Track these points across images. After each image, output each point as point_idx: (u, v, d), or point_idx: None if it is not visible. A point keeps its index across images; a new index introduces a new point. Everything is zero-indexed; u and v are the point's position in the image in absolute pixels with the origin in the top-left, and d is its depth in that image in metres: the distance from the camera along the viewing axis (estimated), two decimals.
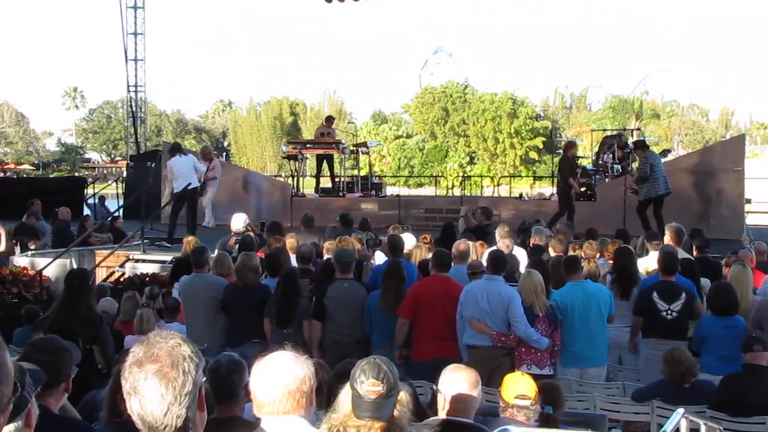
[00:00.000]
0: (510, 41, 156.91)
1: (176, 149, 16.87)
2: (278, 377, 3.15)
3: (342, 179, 23.86)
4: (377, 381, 3.85)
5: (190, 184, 16.03)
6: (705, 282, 9.77)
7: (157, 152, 26.80)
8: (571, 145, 18.53)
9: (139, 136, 33.39)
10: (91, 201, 26.01)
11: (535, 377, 5.65)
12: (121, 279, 15.52)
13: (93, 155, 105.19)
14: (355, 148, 24.88)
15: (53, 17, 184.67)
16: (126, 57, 33.10)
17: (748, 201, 18.90)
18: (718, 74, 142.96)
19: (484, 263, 9.45)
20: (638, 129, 29.35)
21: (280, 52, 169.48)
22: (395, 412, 3.92)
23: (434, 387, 5.01)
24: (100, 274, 15.78)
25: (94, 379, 7.28)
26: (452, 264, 9.48)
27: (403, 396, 4.10)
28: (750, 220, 18.99)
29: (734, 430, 6.86)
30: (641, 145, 17.24)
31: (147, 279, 14.21)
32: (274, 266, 10.23)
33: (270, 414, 3.15)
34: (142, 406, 2.53)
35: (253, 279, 9.59)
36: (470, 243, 10.90)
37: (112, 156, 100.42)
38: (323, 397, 4.54)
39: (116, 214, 21.45)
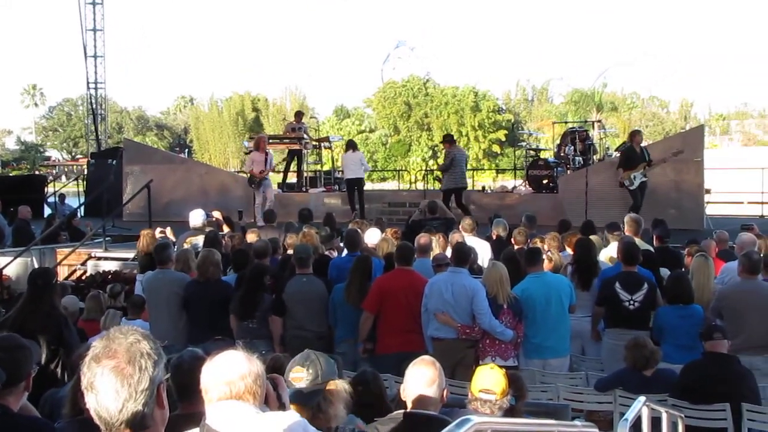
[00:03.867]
0: (471, 35, 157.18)
1: None
2: (222, 371, 3.15)
3: (306, 175, 23.79)
4: (301, 368, 3.89)
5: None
6: (664, 272, 9.86)
7: (118, 149, 26.64)
8: (633, 133, 18.09)
9: (99, 133, 33.13)
10: (51, 199, 25.79)
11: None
12: (83, 277, 15.43)
13: (53, 153, 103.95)
14: (317, 143, 24.83)
15: (11, 14, 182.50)
16: (85, 53, 32.84)
17: (708, 191, 19.08)
18: (679, 66, 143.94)
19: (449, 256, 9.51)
20: (599, 121, 29.47)
21: (242, 48, 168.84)
22: (325, 403, 3.96)
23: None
24: (62, 273, 15.66)
25: (59, 378, 7.24)
26: (416, 257, 9.51)
27: (338, 389, 4.12)
28: (710, 210, 19.19)
29: (695, 418, 6.93)
30: (449, 140, 18.66)
31: (109, 276, 14.13)
32: (241, 262, 10.23)
33: (210, 402, 3.15)
34: (98, 402, 2.51)
35: (214, 274, 9.56)
36: (432, 236, 10.91)
37: (73, 154, 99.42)
38: None
39: (73, 212, 21.27)
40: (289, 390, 3.89)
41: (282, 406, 3.43)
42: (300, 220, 14.09)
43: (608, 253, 10.60)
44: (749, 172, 24.36)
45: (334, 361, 4.26)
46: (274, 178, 24.89)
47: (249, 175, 18.73)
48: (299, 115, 25.08)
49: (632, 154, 16.39)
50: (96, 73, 33.29)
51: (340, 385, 4.16)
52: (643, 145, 16.69)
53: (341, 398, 4.17)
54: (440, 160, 18.71)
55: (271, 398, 3.33)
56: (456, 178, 18.07)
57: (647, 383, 7.30)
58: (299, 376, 3.96)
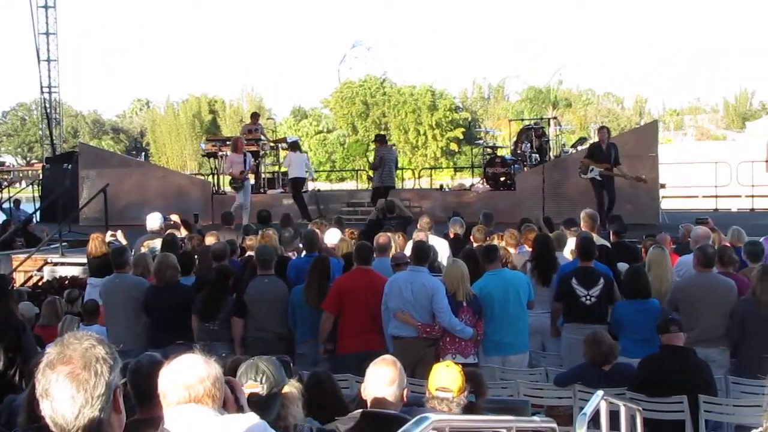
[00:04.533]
0: (427, 34, 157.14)
1: None
2: (180, 375, 3.15)
3: (263, 176, 23.69)
4: (255, 382, 3.89)
5: None
6: (623, 266, 9.95)
7: (74, 154, 26.37)
8: (598, 130, 18.20)
9: (54, 137, 32.78)
10: (6, 205, 25.48)
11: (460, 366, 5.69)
12: (40, 283, 15.28)
13: (7, 158, 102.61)
14: (274, 144, 24.75)
15: None
16: (38, 57, 32.50)
17: (663, 186, 19.30)
18: (633, 63, 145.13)
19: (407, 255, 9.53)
20: (555, 118, 29.69)
21: (197, 50, 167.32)
22: (282, 409, 3.96)
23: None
24: (19, 279, 15.50)
25: (18, 385, 7.16)
26: (375, 257, 9.53)
27: (291, 391, 4.13)
28: (665, 204, 19.40)
29: (653, 410, 7.01)
30: (379, 139, 19.37)
31: (66, 282, 14.00)
32: (188, 264, 10.21)
33: (169, 406, 3.15)
34: (53, 409, 2.50)
35: (172, 277, 9.52)
36: (390, 235, 10.93)
37: (28, 159, 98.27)
38: None
39: (28, 217, 21.10)
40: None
41: (240, 409, 3.42)
42: (259, 221, 14.07)
43: (569, 249, 10.67)
44: (703, 167, 24.69)
45: (280, 363, 4.26)
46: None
47: (230, 177, 18.57)
48: (255, 116, 24.95)
49: (597, 151, 16.43)
50: (50, 77, 32.97)
51: (292, 388, 4.16)
52: (612, 142, 16.57)
53: (295, 400, 4.18)
54: (371, 159, 18.94)
55: (229, 401, 3.33)
56: (384, 176, 18.54)
57: (606, 378, 7.37)
58: (255, 390, 3.95)
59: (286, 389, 4.12)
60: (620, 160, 16.25)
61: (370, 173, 19.97)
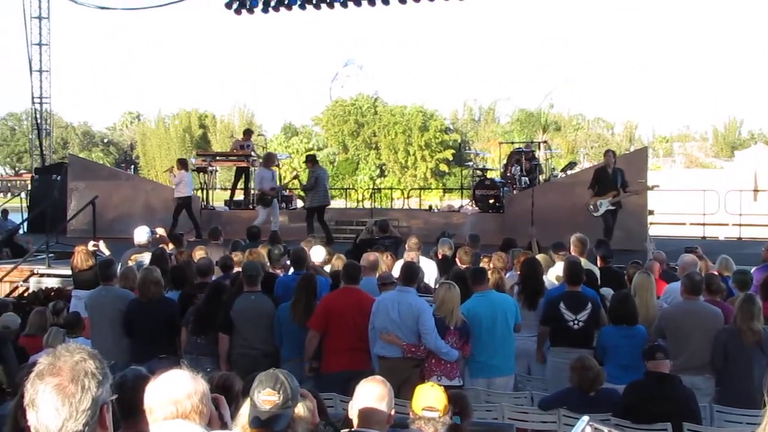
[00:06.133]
0: (419, 54, 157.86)
1: None
2: (168, 390, 3.14)
3: (252, 192, 23.65)
4: (273, 391, 3.86)
5: None
6: (607, 291, 9.97)
7: (63, 165, 26.31)
8: (605, 153, 17.93)
9: (44, 148, 32.61)
10: None
11: (445, 388, 5.69)
12: (25, 294, 15.21)
13: None
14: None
15: None
16: (30, 68, 32.37)
17: (651, 212, 19.35)
18: (623, 88, 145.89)
19: (395, 275, 9.52)
20: (545, 142, 29.77)
21: (189, 64, 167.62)
22: (288, 429, 3.95)
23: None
24: (4, 289, 15.44)
25: None
26: (363, 276, 9.52)
27: (301, 410, 4.11)
28: (653, 231, 19.45)
29: None
30: (312, 159, 19.63)
31: (52, 293, 13.94)
32: (179, 279, 10.18)
33: (155, 422, 3.14)
34: (38, 419, 2.49)
35: (156, 292, 9.49)
36: (378, 254, 10.92)
37: (17, 169, 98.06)
38: (237, 409, 4.53)
39: (15, 227, 21.03)
40: (253, 411, 3.86)
41: (224, 426, 3.41)
42: (249, 237, 14.04)
43: (554, 273, 10.69)
44: (691, 194, 24.77)
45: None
46: (223, 196, 24.78)
47: (259, 192, 18.52)
48: (248, 133, 25.00)
49: (602, 175, 16.34)
50: (41, 87, 32.81)
51: (302, 409, 4.15)
52: (618, 167, 16.46)
53: (302, 420, 4.17)
54: (303, 180, 19.03)
55: (214, 418, 3.32)
56: (320, 196, 18.72)
57: (591, 403, 7.36)
58: (272, 399, 3.92)
59: (297, 409, 4.10)
60: (639, 194, 16.35)
61: (357, 194, 19.97)
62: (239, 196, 24.08)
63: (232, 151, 23.80)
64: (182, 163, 20.48)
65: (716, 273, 10.32)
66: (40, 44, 32.64)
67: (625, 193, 16.08)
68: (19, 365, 7.59)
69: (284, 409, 3.93)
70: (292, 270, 10.83)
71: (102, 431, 2.61)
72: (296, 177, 20.51)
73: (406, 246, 12.35)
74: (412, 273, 9.13)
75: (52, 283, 15.11)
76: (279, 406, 3.88)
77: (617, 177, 16.04)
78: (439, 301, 8.74)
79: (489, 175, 23.63)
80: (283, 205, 23.50)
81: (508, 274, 10.84)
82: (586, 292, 9.42)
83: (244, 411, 4.02)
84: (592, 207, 16.13)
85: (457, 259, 11.58)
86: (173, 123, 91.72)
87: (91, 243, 13.17)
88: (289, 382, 4.02)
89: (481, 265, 10.82)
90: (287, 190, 22.17)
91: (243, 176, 23.31)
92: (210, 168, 23.24)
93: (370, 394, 4.83)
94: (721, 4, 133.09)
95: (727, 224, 24.65)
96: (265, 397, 3.91)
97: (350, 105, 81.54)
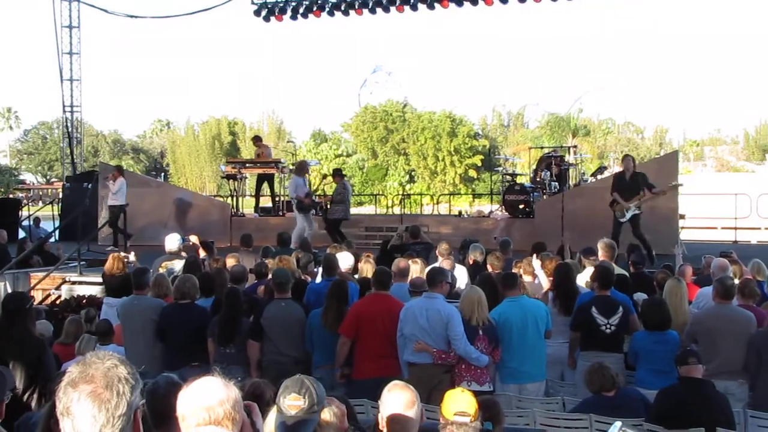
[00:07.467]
0: (448, 60, 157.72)
1: None
2: (201, 397, 3.14)
3: (281, 198, 23.70)
4: (298, 395, 3.87)
5: None
6: (640, 296, 9.92)
7: (94, 173, 26.51)
8: (623, 159, 17.63)
9: (75, 156, 32.85)
10: (26, 223, 25.64)
11: (475, 394, 5.66)
12: (57, 301, 15.32)
13: (28, 176, 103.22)
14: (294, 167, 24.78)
15: None
16: (61, 77, 32.62)
17: (682, 216, 19.21)
18: (653, 93, 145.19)
19: None
20: (575, 146, 29.63)
21: (219, 72, 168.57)
22: None
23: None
24: (36, 297, 15.55)
25: (36, 404, 7.16)
26: (393, 282, 9.51)
27: (328, 415, 4.11)
28: (684, 235, 19.31)
29: None
30: (338, 174, 19.70)
31: (84, 301, 14.03)
32: (208, 287, 10.21)
33: (188, 429, 3.14)
34: (74, 427, 2.50)
35: (194, 295, 9.56)
36: (410, 261, 10.90)
37: (48, 177, 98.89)
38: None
39: (47, 235, 21.21)
40: (279, 417, 3.87)
41: None
42: (279, 244, 14.08)
43: (584, 278, 10.64)
44: (723, 198, 24.56)
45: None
46: (249, 203, 24.82)
47: (296, 200, 18.58)
48: (258, 139, 24.98)
49: (620, 181, 16.18)
50: (72, 96, 33.04)
51: (329, 415, 4.15)
52: (639, 171, 16.25)
53: (331, 426, 4.17)
54: (329, 191, 19.39)
55: (246, 426, 3.32)
56: (346, 209, 19.00)
57: (616, 405, 7.32)
58: (297, 404, 3.92)
59: (324, 415, 4.11)
60: (665, 194, 16.23)
61: (386, 200, 20.14)
62: (265, 202, 24.11)
63: (256, 158, 23.78)
64: (121, 171, 20.51)
65: (751, 277, 10.23)
66: (70, 53, 32.88)
67: (651, 194, 15.93)
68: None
69: (310, 413, 3.94)
70: (320, 277, 10.84)
71: None
72: (324, 177, 20.71)
73: (437, 252, 12.33)
74: (434, 277, 9.09)
75: (84, 290, 15.21)
76: (305, 410, 3.88)
77: (637, 180, 15.88)
78: (462, 303, 8.75)
79: (519, 180, 23.58)
80: (312, 211, 23.56)
81: (535, 281, 10.80)
82: (617, 296, 9.38)
83: (271, 417, 4.02)
84: (618, 213, 15.98)
85: (488, 266, 11.52)
86: (203, 130, 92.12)
87: (122, 254, 13.28)
88: (315, 387, 4.02)
89: (513, 270, 10.78)
90: (318, 197, 22.16)
91: (265, 182, 23.30)
92: (239, 175, 23.29)
93: (399, 401, 4.81)
94: (751, 7, 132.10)
95: (759, 228, 24.46)
96: (290, 402, 3.92)
97: (379, 111, 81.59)
